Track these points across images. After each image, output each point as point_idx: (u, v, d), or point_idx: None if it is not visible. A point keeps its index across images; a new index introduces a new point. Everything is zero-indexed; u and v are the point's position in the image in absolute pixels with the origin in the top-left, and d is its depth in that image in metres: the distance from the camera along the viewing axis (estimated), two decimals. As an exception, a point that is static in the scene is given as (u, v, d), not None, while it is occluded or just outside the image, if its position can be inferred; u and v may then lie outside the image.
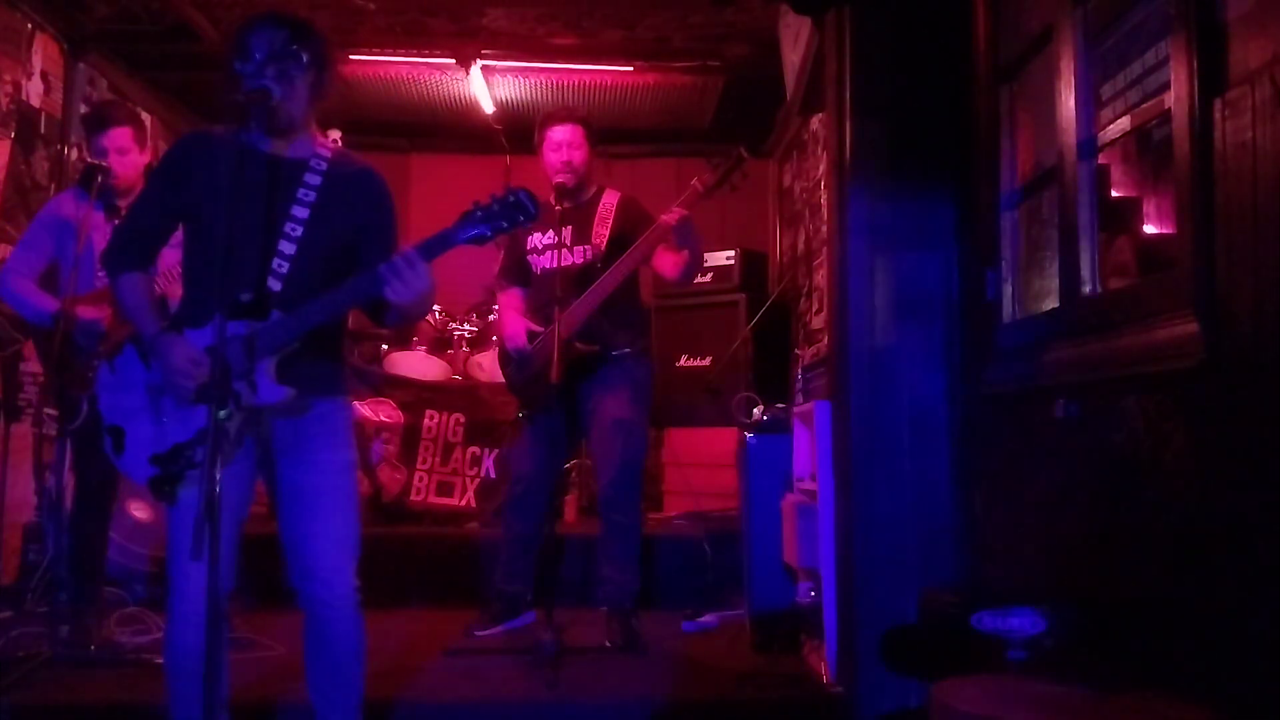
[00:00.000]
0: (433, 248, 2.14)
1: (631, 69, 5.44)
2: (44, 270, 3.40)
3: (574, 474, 5.08)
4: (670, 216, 3.50)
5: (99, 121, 3.41)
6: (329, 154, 2.35)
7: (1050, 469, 2.33)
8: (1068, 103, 2.33)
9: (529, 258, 3.81)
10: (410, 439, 5.04)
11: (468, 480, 5.04)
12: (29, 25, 4.44)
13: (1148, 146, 2.99)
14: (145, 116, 4.89)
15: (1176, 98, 1.81)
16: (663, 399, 4.94)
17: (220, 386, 1.87)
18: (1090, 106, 2.35)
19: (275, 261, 2.22)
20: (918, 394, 2.89)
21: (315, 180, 2.29)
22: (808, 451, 3.43)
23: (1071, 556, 2.23)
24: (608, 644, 3.50)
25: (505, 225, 2.15)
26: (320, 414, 2.30)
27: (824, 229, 3.81)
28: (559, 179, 3.66)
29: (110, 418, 2.27)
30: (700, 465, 5.15)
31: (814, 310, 4.65)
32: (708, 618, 3.91)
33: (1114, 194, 3.10)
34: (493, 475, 4.98)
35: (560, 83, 5.71)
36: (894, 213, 2.93)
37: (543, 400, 3.57)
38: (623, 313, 3.71)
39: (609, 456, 3.63)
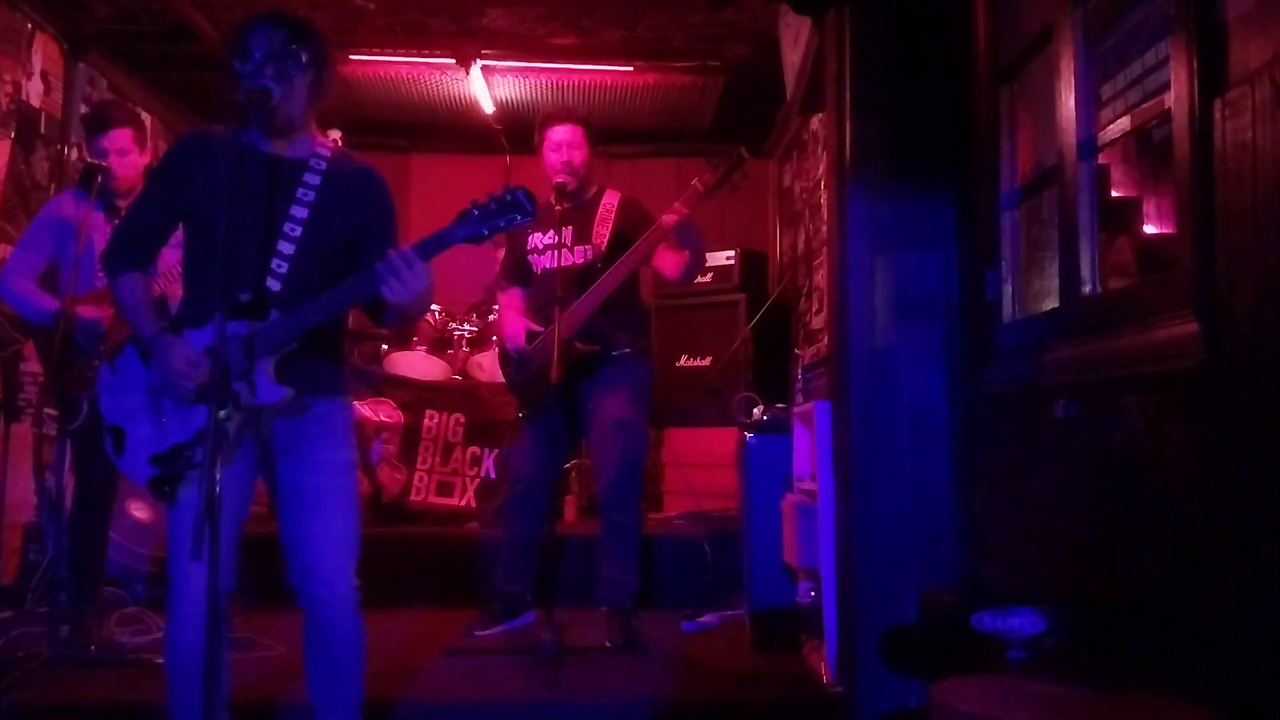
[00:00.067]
0: (430, 247, 2.13)
1: (631, 69, 5.44)
2: (44, 270, 3.41)
3: (574, 474, 5.08)
4: (670, 216, 3.50)
5: (99, 123, 3.41)
6: (328, 154, 2.35)
7: (1050, 469, 2.33)
8: (1068, 103, 2.33)
9: (529, 258, 3.81)
10: (410, 439, 5.04)
11: (468, 480, 5.04)
12: (29, 25, 4.44)
13: (1148, 146, 2.99)
14: (145, 116, 4.90)
15: (1176, 98, 1.81)
16: (663, 399, 4.95)
17: (220, 386, 1.87)
18: (1090, 106, 2.35)
19: (274, 262, 2.22)
20: (918, 394, 2.89)
21: (314, 180, 2.29)
22: (808, 451, 3.43)
23: (1071, 556, 2.23)
24: (608, 644, 3.50)
25: (503, 224, 2.15)
26: (320, 414, 2.30)
27: (824, 229, 3.81)
28: (559, 179, 3.66)
29: (111, 418, 2.27)
30: (700, 465, 5.16)
31: (814, 310, 4.65)
32: (708, 618, 3.91)
33: (1114, 194, 3.10)
34: (493, 475, 4.98)
35: (560, 83, 5.71)
36: (894, 213, 2.93)
37: (543, 400, 3.57)
38: (623, 313, 3.71)
39: (609, 456, 3.62)
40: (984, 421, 2.74)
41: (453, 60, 5.32)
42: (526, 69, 5.50)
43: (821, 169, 4.25)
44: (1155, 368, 1.87)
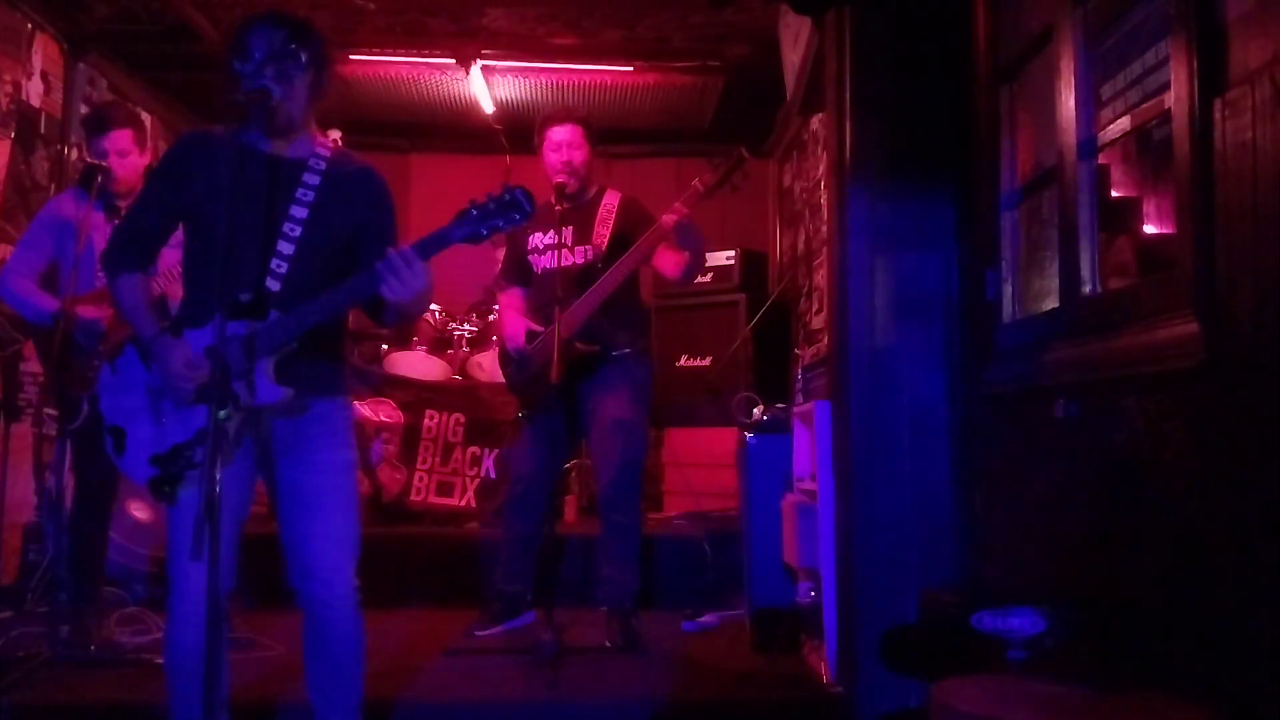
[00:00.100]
0: (428, 247, 2.13)
1: (631, 69, 5.44)
2: (45, 271, 3.41)
3: (574, 474, 5.08)
4: (670, 216, 3.50)
5: (99, 124, 3.41)
6: (328, 153, 2.35)
7: (1050, 469, 2.33)
8: (1068, 103, 2.33)
9: (529, 258, 3.81)
10: (410, 439, 5.04)
11: (468, 480, 5.04)
12: (29, 25, 4.44)
13: (1148, 146, 2.99)
14: (145, 116, 4.90)
15: (1176, 98, 1.81)
16: (663, 399, 4.94)
17: (220, 386, 1.87)
18: (1090, 106, 2.35)
19: (274, 262, 2.22)
20: (918, 394, 2.89)
21: (314, 180, 2.29)
22: (808, 451, 3.43)
23: (1071, 556, 2.23)
24: (608, 644, 3.50)
25: (501, 224, 2.15)
26: (320, 414, 2.29)
27: (824, 229, 3.81)
28: (560, 179, 3.66)
29: (111, 418, 2.27)
30: (700, 465, 5.16)
31: (814, 310, 4.65)
32: (708, 618, 3.91)
33: (1114, 194, 3.10)
34: (493, 475, 4.98)
35: (560, 83, 5.71)
36: (894, 213, 2.93)
37: (543, 400, 3.57)
38: (623, 313, 3.71)
39: (609, 456, 3.62)
40: (984, 421, 2.74)
41: (453, 60, 5.32)
42: (526, 69, 5.50)
43: (821, 169, 4.25)
44: (1155, 368, 1.87)
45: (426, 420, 5.09)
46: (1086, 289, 2.27)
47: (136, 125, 3.49)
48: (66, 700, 2.89)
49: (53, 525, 3.70)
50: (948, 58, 2.92)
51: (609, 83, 5.67)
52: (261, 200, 2.24)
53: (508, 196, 2.14)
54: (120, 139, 3.37)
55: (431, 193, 6.53)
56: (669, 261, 3.66)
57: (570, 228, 3.67)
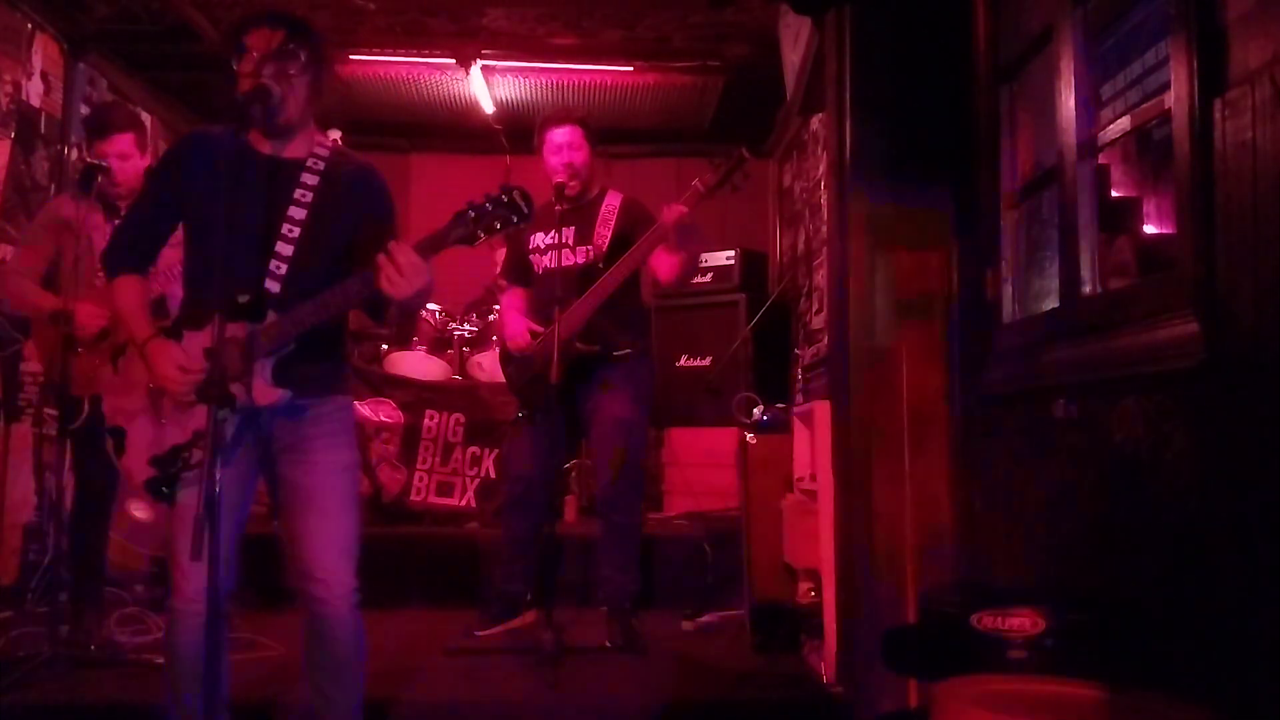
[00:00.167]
0: (425, 249, 2.12)
1: (631, 69, 5.44)
2: (45, 271, 3.41)
3: (574, 474, 5.08)
4: (671, 213, 3.48)
5: (101, 128, 3.41)
6: (327, 153, 2.35)
7: (1050, 469, 2.33)
8: (1068, 103, 2.33)
9: (531, 257, 3.81)
10: (410, 439, 5.04)
11: (468, 480, 5.03)
12: (29, 25, 4.44)
13: (1148, 146, 2.99)
14: (145, 116, 4.90)
15: (1176, 98, 1.81)
16: (663, 399, 4.94)
17: (220, 387, 1.87)
18: (1090, 106, 2.35)
19: (273, 263, 2.22)
20: (918, 394, 2.89)
21: (312, 180, 2.29)
22: (808, 451, 3.43)
23: (1071, 556, 2.23)
24: (608, 644, 3.50)
25: (498, 226, 2.14)
26: (320, 414, 2.29)
27: (824, 229, 3.81)
28: (561, 180, 3.66)
29: (112, 418, 2.27)
30: (700, 465, 5.15)
31: (814, 310, 4.65)
32: (708, 618, 3.91)
33: (1114, 194, 3.10)
34: (493, 475, 4.97)
35: (560, 83, 5.71)
36: (894, 213, 2.93)
37: (543, 400, 3.57)
38: (623, 313, 3.71)
39: (609, 456, 3.62)
40: (984, 421, 2.74)
41: (453, 60, 5.32)
42: (526, 69, 5.50)
43: (821, 169, 4.25)
44: (1155, 368, 1.87)
45: (426, 420, 5.09)
46: (1086, 289, 2.27)
47: (138, 128, 3.49)
48: (66, 700, 2.89)
49: (53, 525, 3.70)
50: (948, 58, 2.92)
51: (609, 83, 5.67)
52: (260, 201, 2.24)
53: (505, 198, 2.14)
54: (122, 142, 3.37)
55: (431, 193, 6.52)
56: (663, 264, 3.65)
57: (572, 228, 3.68)
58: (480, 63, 5.33)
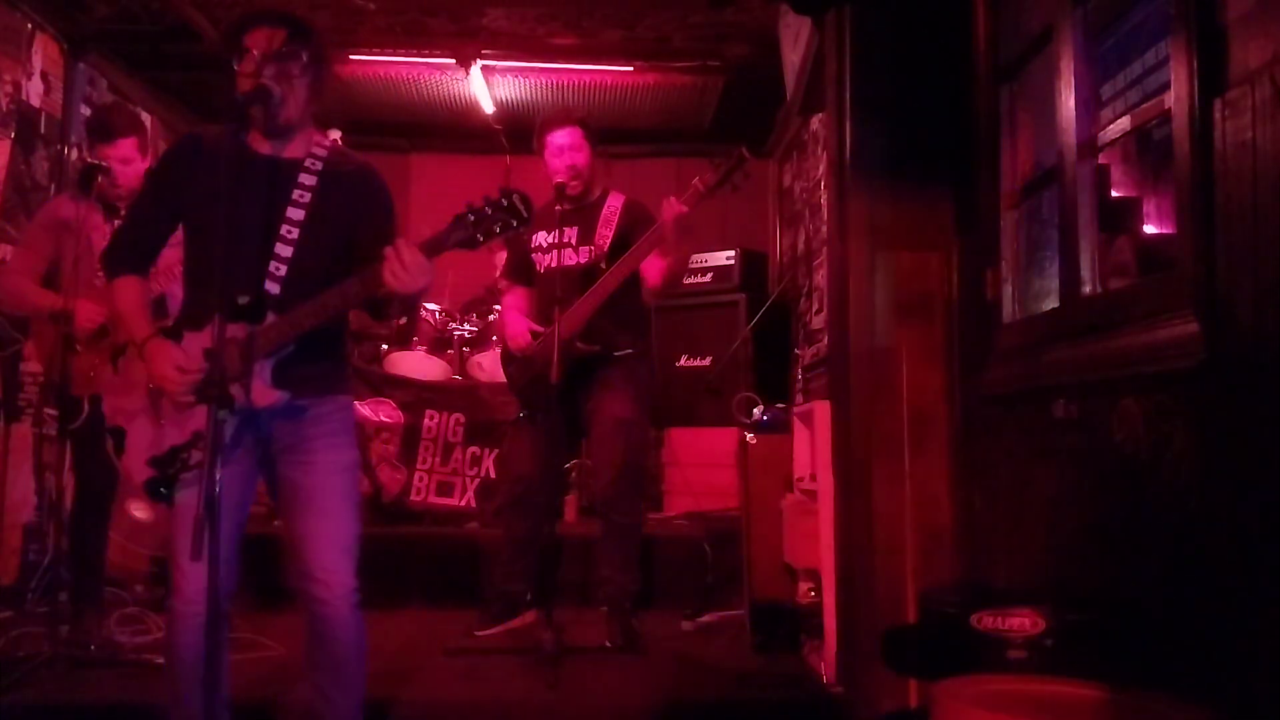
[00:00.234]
0: (426, 251, 2.12)
1: (631, 69, 5.44)
2: (44, 271, 3.41)
3: (574, 474, 5.08)
4: (670, 209, 3.44)
5: (106, 132, 3.40)
6: (324, 153, 2.35)
7: (1050, 469, 2.33)
8: (1068, 103, 2.33)
9: (533, 256, 3.81)
10: (410, 439, 5.04)
11: (468, 480, 5.03)
12: (29, 25, 4.44)
13: (1148, 146, 2.99)
14: (145, 116, 4.90)
15: (1176, 98, 1.81)
16: (663, 399, 4.94)
17: (220, 387, 1.87)
18: (1090, 106, 2.35)
19: (272, 264, 2.22)
20: (918, 394, 2.89)
21: (310, 180, 2.29)
22: (808, 451, 3.43)
23: (1071, 556, 2.23)
24: (608, 644, 3.50)
25: (498, 229, 2.14)
26: (320, 414, 2.29)
27: (824, 229, 3.81)
28: (561, 181, 3.66)
29: (113, 418, 2.27)
30: (700, 465, 5.15)
31: (814, 310, 4.65)
32: (708, 618, 3.92)
33: (1114, 194, 3.10)
34: (493, 475, 4.97)
35: (560, 83, 5.71)
36: (894, 213, 2.93)
37: (543, 400, 3.57)
38: (624, 313, 3.70)
39: (609, 456, 3.62)
40: (984, 421, 2.74)
41: (453, 60, 5.32)
42: (526, 69, 5.50)
43: (821, 169, 4.25)
44: (1155, 368, 1.87)
45: (426, 420, 5.09)
46: (1086, 289, 2.27)
47: (140, 131, 3.49)
48: (66, 700, 2.89)
49: (53, 525, 3.70)
50: (948, 58, 2.92)
51: (609, 83, 5.67)
52: (258, 201, 2.24)
53: (505, 202, 2.14)
54: (125, 147, 3.38)
55: (431, 193, 6.53)
56: (652, 268, 3.65)
57: (575, 228, 3.68)
58: (480, 63, 5.33)
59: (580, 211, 3.72)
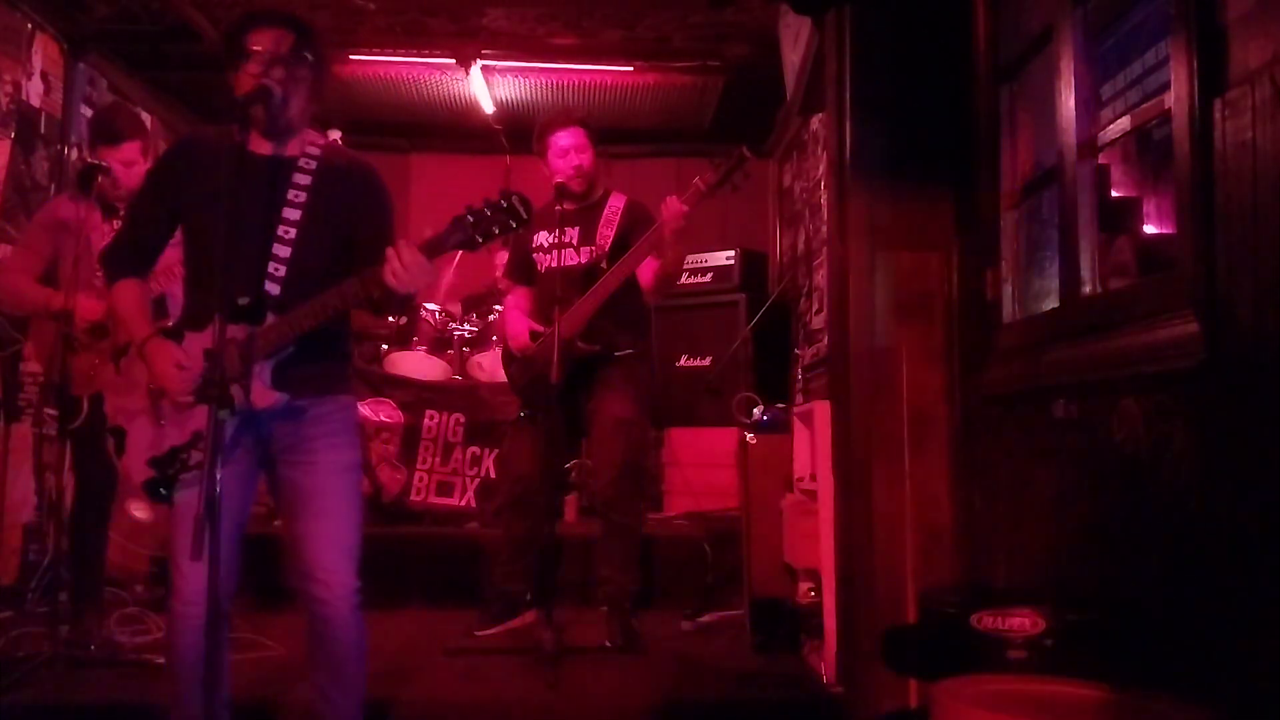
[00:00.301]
0: (425, 252, 2.13)
1: (631, 69, 5.44)
2: (43, 271, 3.41)
3: (574, 474, 5.08)
4: (670, 208, 3.43)
5: (110, 135, 3.39)
6: (318, 151, 2.35)
7: (1050, 469, 2.33)
8: (1068, 103, 2.33)
9: (534, 256, 3.81)
10: (410, 439, 5.04)
11: (468, 480, 5.03)
12: (29, 25, 4.44)
13: (1148, 146, 2.99)
14: (145, 116, 4.90)
15: (1176, 98, 1.81)
16: (663, 399, 4.94)
17: (220, 387, 1.87)
18: (1090, 106, 2.35)
19: (271, 265, 2.22)
20: (918, 394, 2.89)
21: (305, 180, 2.29)
22: (808, 451, 3.43)
23: (1071, 556, 2.23)
24: (608, 644, 3.50)
25: (497, 230, 2.14)
26: (320, 414, 2.29)
27: (824, 229, 3.81)
28: (562, 179, 3.66)
29: (114, 419, 2.27)
30: (700, 465, 5.15)
31: (814, 310, 4.65)
32: (708, 618, 3.91)
33: (1114, 194, 3.10)
34: (493, 475, 4.97)
35: (560, 83, 5.71)
36: (894, 213, 2.93)
37: (544, 400, 3.57)
38: (624, 313, 3.70)
39: (609, 456, 3.62)
40: (984, 421, 2.74)
41: (453, 60, 5.32)
42: (526, 69, 5.50)
43: (821, 169, 4.25)
44: (1155, 368, 1.87)
45: (426, 420, 5.09)
46: (1086, 289, 2.27)
47: (143, 134, 3.50)
48: (66, 700, 2.89)
49: (53, 525, 3.70)
50: (948, 58, 2.92)
51: (609, 83, 5.67)
52: (256, 202, 2.23)
53: (504, 203, 2.14)
54: (129, 150, 3.38)
55: (431, 193, 6.53)
56: (646, 270, 3.65)
57: (576, 228, 3.68)
58: (480, 63, 5.33)
59: (582, 212, 3.72)
